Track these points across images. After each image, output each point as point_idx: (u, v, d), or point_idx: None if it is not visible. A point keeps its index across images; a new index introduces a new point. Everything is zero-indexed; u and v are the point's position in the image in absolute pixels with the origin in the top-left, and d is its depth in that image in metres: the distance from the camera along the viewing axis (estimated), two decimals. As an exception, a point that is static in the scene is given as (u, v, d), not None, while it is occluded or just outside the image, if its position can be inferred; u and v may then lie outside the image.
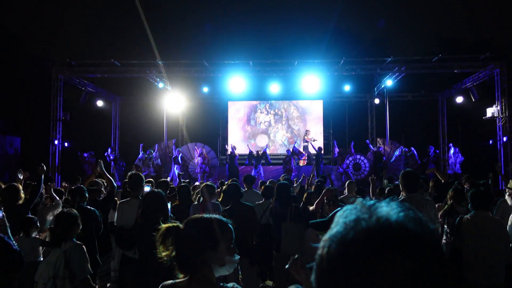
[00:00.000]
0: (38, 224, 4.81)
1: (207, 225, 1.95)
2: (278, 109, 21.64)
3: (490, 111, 15.95)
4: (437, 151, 17.40)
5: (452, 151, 17.18)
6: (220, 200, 6.42)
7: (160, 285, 1.96)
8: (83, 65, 17.06)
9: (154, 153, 18.32)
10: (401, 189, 4.67)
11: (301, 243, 5.24)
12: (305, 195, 6.11)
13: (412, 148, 17.15)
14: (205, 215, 2.01)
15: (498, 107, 15.72)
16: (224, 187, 6.70)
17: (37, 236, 4.75)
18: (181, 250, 1.88)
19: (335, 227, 0.71)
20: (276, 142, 21.53)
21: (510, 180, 5.89)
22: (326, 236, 0.72)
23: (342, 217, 0.72)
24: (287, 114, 21.63)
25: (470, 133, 19.51)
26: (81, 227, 3.77)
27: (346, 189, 7.67)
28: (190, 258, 1.87)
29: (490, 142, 16.58)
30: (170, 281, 1.95)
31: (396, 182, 10.24)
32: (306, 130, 20.15)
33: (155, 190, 4.31)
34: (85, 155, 17.67)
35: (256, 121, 21.67)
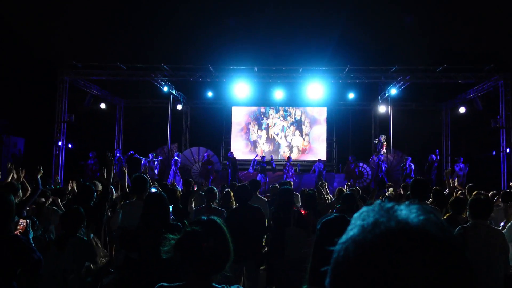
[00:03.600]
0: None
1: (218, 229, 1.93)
2: (290, 115, 21.68)
3: (494, 122, 15.94)
4: (438, 157, 17.28)
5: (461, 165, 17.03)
6: (220, 203, 6.43)
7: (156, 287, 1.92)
8: (88, 67, 17.13)
9: (157, 158, 18.18)
10: (410, 197, 4.69)
11: (305, 248, 5.23)
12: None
13: (409, 160, 17.01)
14: (211, 218, 1.99)
15: (502, 118, 15.71)
16: (225, 191, 6.71)
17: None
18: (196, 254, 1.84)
19: (352, 230, 0.68)
20: (287, 148, 21.52)
21: None
22: (342, 239, 0.68)
23: (359, 219, 0.68)
24: (298, 120, 21.68)
25: (473, 143, 19.46)
26: (85, 224, 3.81)
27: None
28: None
29: (493, 153, 16.54)
30: (167, 284, 1.91)
31: (398, 190, 10.24)
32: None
33: (157, 192, 4.32)
34: (90, 162, 17.63)
35: (268, 126, 21.69)
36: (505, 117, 15.65)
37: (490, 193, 6.71)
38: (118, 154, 18.05)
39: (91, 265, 3.57)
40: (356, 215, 0.71)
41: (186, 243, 1.85)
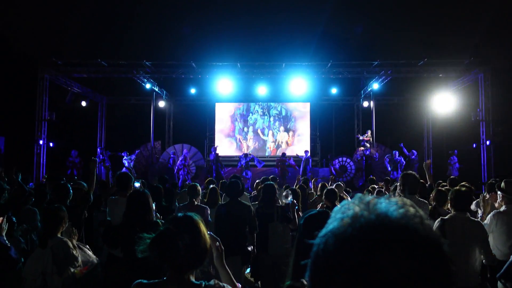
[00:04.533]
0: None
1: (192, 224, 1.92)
2: (275, 109, 21.68)
3: (474, 115, 16.19)
4: (412, 155, 17.49)
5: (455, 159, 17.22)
6: (206, 201, 6.42)
7: (134, 284, 1.91)
8: (69, 64, 16.91)
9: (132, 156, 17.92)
10: (398, 190, 4.75)
11: (289, 243, 5.27)
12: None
13: (396, 152, 17.22)
14: (187, 214, 1.97)
15: (482, 111, 15.96)
16: (210, 187, 6.71)
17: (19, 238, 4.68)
18: (172, 252, 1.83)
19: (332, 223, 0.68)
20: (273, 143, 21.53)
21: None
22: (322, 233, 0.69)
23: (339, 212, 0.69)
24: (281, 115, 21.70)
25: (454, 136, 19.74)
26: (67, 224, 3.76)
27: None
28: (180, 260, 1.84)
29: (474, 145, 16.81)
30: (146, 281, 1.91)
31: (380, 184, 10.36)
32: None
33: (140, 189, 4.30)
34: (77, 161, 17.44)
35: (254, 123, 21.65)
36: (484, 110, 15.91)
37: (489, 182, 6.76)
38: (98, 152, 17.89)
39: (73, 269, 3.53)
40: (336, 208, 0.72)
41: (161, 242, 1.83)
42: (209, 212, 5.63)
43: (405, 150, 17.12)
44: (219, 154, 17.92)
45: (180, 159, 17.87)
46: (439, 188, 6.05)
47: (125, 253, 3.88)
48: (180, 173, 17.72)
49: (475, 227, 4.19)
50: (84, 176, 14.71)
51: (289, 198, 5.47)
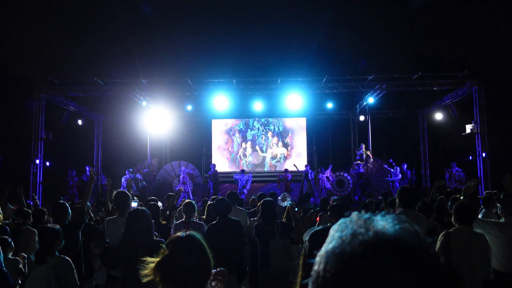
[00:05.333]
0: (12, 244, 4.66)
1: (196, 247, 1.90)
2: (273, 125, 21.72)
3: (469, 128, 16.25)
4: (413, 171, 17.55)
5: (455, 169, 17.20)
6: (204, 218, 6.39)
7: None
8: (65, 84, 16.92)
9: (138, 175, 17.96)
10: (397, 204, 4.74)
11: (290, 259, 5.24)
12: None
13: (397, 168, 17.24)
14: (188, 234, 1.95)
15: (477, 124, 16.04)
16: (208, 203, 6.69)
17: (16, 258, 4.64)
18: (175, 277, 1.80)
19: (331, 242, 0.69)
20: (271, 158, 21.51)
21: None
22: (321, 251, 0.70)
23: (338, 231, 0.70)
24: (279, 131, 21.73)
25: (450, 149, 19.82)
26: (63, 243, 3.75)
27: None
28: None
29: (470, 158, 16.87)
30: None
31: (379, 198, 10.37)
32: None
33: (140, 208, 4.27)
34: (76, 179, 17.43)
35: (253, 138, 21.64)
36: (479, 122, 16.00)
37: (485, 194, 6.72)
38: (87, 170, 17.80)
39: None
40: (334, 227, 0.74)
41: (166, 266, 1.81)
42: (205, 228, 5.59)
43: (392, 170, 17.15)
44: (218, 171, 17.90)
45: (181, 176, 17.86)
46: (441, 201, 6.06)
47: (125, 273, 3.85)
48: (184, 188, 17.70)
49: (480, 241, 4.16)
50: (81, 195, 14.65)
51: (286, 202, 5.44)
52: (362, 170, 17.72)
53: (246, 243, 5.29)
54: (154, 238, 3.77)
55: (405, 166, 17.31)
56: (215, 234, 5.11)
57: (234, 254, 5.18)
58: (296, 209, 5.44)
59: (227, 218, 5.37)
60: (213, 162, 19.01)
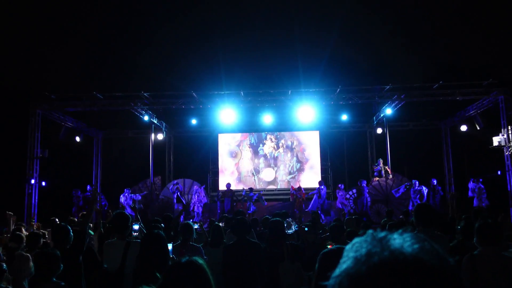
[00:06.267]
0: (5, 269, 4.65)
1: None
2: (285, 139, 21.75)
3: (497, 140, 16.07)
4: (438, 187, 17.34)
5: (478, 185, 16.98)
6: (210, 240, 6.32)
7: None
8: (63, 99, 17.08)
9: (134, 196, 17.91)
10: (414, 223, 4.69)
11: (303, 283, 5.16)
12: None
13: (416, 182, 17.07)
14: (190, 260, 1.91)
15: (505, 136, 15.87)
16: (214, 225, 6.63)
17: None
18: None
19: (345, 263, 0.69)
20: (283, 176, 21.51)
21: None
22: (336, 273, 0.70)
23: (352, 251, 0.70)
24: (291, 145, 21.73)
25: (476, 163, 19.63)
26: (61, 268, 3.73)
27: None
28: None
29: (499, 172, 16.66)
30: None
31: (400, 217, 10.27)
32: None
33: (154, 231, 4.23)
34: (76, 200, 17.49)
35: (265, 154, 21.67)
36: (507, 134, 15.82)
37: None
38: (88, 189, 17.82)
39: None
40: (348, 246, 0.74)
41: None
42: (203, 252, 5.50)
43: (416, 186, 16.94)
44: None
45: (195, 195, 17.90)
46: (467, 220, 5.95)
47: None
48: (195, 210, 17.71)
49: (508, 263, 4.05)
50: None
51: (292, 228, 5.38)
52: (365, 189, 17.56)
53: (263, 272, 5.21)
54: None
55: (435, 182, 17.07)
56: (233, 256, 5.06)
57: (253, 281, 5.07)
58: (306, 228, 5.39)
59: (247, 240, 5.31)
60: (227, 182, 18.95)
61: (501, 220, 6.40)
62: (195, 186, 18.74)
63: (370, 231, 0.75)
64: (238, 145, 21.85)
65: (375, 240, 0.70)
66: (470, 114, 18.12)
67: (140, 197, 18.00)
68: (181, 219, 12.20)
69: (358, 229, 7.53)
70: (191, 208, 17.74)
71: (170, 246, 4.84)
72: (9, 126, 18.14)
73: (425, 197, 16.65)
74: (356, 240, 0.73)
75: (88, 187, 18.03)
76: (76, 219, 8.68)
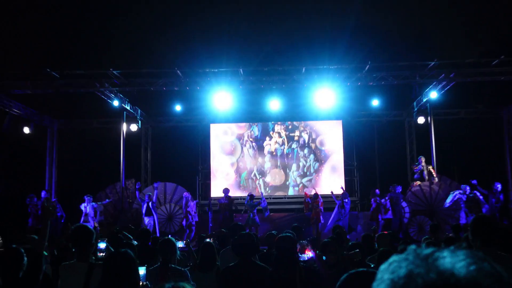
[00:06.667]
0: None
1: None
2: (298, 131, 21.73)
3: None
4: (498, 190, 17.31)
5: None
6: (198, 262, 6.32)
7: None
8: (6, 77, 17.06)
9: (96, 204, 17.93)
10: (470, 241, 4.70)
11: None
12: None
13: (467, 187, 17.03)
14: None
15: None
16: (205, 243, 6.62)
17: None
18: None
19: (379, 286, 0.70)
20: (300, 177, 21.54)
21: None
22: None
23: (388, 272, 0.71)
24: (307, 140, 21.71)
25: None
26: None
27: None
28: None
29: None
30: None
31: (449, 234, 10.25)
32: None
33: (122, 250, 4.22)
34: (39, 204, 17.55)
35: (272, 150, 21.65)
36: None
37: None
38: (43, 196, 17.84)
39: None
40: (383, 266, 0.75)
41: None
42: (189, 277, 5.48)
43: (480, 189, 16.90)
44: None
45: (191, 204, 17.86)
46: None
47: None
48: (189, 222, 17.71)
49: None
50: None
51: (306, 254, 5.37)
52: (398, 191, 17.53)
53: None
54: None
55: (499, 187, 17.03)
56: (233, 283, 5.05)
57: None
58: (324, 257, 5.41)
59: (252, 262, 5.31)
60: (224, 187, 18.84)
61: None
62: (185, 193, 18.63)
63: (413, 246, 0.74)
64: (239, 139, 21.85)
65: (419, 258, 0.69)
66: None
67: (102, 207, 17.99)
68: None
69: (394, 249, 7.55)
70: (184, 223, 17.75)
71: (143, 270, 4.86)
72: None
73: (486, 206, 16.62)
74: (394, 258, 0.73)
75: (43, 194, 18.03)
76: (36, 237, 8.67)
